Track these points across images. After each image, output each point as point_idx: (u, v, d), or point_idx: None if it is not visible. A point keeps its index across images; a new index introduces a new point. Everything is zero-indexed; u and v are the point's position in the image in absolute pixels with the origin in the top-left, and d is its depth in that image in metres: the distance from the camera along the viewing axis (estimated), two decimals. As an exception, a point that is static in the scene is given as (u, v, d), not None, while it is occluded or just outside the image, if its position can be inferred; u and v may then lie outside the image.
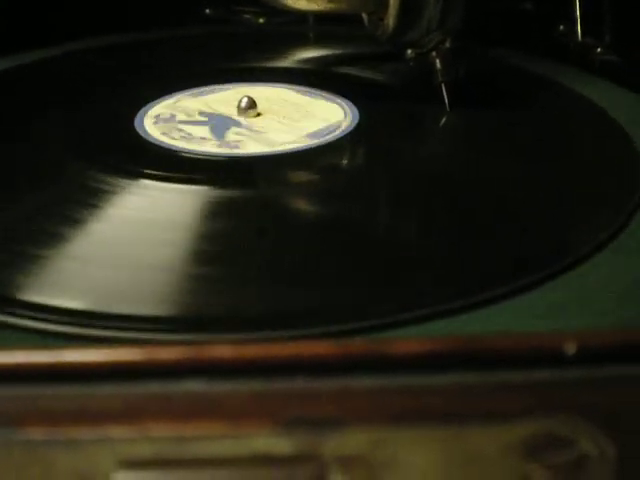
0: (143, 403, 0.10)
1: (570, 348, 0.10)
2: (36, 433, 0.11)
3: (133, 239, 0.25)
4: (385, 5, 0.32)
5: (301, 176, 0.29)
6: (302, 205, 0.28)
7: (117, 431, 0.10)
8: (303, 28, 0.44)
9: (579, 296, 0.21)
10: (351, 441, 0.09)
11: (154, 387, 0.10)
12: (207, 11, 0.57)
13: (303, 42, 0.42)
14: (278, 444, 0.09)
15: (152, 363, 0.10)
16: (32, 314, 0.21)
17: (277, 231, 0.25)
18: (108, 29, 0.46)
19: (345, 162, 0.30)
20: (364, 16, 0.34)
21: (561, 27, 0.53)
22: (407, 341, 0.11)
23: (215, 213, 0.26)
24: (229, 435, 0.09)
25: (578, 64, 0.46)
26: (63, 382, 0.10)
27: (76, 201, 0.27)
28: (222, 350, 0.11)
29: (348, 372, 0.10)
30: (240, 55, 0.40)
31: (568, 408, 0.09)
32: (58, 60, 0.39)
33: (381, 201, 0.28)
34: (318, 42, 0.42)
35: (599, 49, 0.57)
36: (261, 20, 0.50)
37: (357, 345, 0.12)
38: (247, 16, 0.55)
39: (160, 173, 0.27)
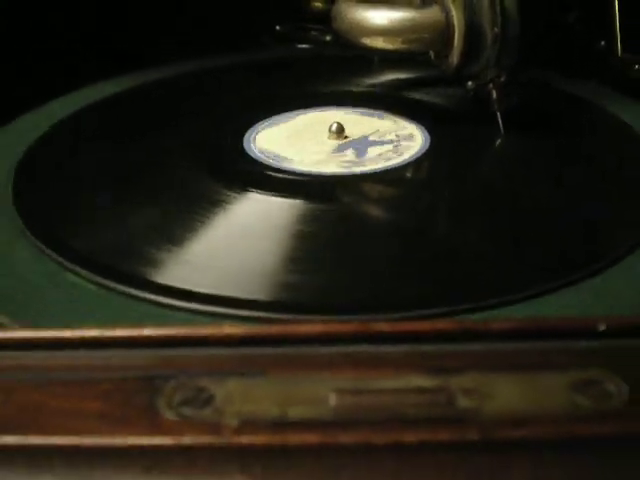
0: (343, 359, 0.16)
1: (601, 326, 0.16)
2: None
3: (247, 238, 0.32)
4: (450, 45, 0.38)
5: (391, 190, 0.35)
6: (386, 214, 0.34)
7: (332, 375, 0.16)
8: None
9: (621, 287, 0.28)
10: (469, 380, 0.16)
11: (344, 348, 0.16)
12: (277, 27, 0.63)
13: (370, 67, 0.48)
14: (424, 382, 0.15)
15: (335, 332, 0.17)
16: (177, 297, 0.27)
17: (374, 234, 0.31)
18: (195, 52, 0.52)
19: (421, 178, 0.37)
20: (431, 53, 0.40)
21: (602, 43, 0.57)
22: (499, 321, 0.17)
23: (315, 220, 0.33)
24: (394, 378, 0.15)
25: (617, 81, 0.51)
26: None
27: (197, 208, 0.33)
28: (382, 326, 0.17)
29: (459, 340, 0.17)
30: (318, 79, 0.46)
31: (600, 364, 0.16)
32: (173, 80, 0.45)
33: (452, 211, 0.34)
34: (383, 66, 0.48)
35: (637, 66, 0.60)
36: (328, 38, 0.56)
37: (468, 322, 0.18)
38: (314, 33, 0.61)
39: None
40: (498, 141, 0.38)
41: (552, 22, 0.53)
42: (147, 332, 0.18)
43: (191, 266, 0.30)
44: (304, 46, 0.59)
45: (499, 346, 0.16)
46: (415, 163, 0.36)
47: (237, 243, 0.31)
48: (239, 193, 0.33)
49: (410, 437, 0.15)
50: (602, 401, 0.16)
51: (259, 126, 0.39)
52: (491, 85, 0.38)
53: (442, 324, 0.18)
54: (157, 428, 0.15)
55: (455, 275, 0.28)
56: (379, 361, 0.16)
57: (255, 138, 0.38)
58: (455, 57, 0.38)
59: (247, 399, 0.16)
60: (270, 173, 0.35)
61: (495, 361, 0.16)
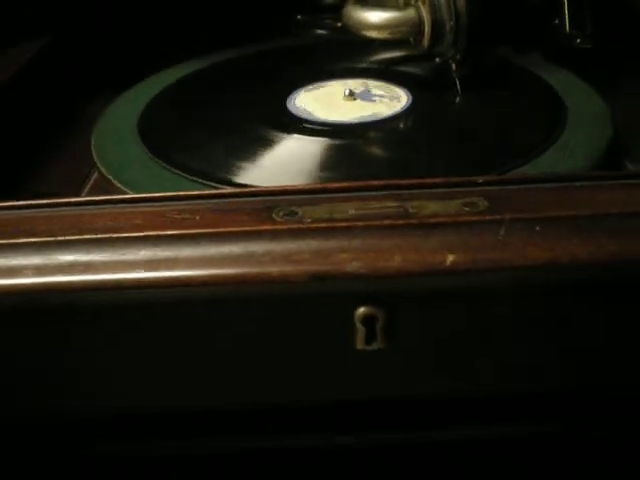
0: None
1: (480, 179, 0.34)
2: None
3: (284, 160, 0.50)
4: (423, 34, 0.56)
5: (387, 129, 0.53)
6: (386, 146, 0.53)
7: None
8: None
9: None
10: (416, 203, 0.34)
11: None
12: (298, 17, 0.81)
13: (370, 49, 0.65)
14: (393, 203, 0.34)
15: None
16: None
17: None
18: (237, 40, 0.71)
19: (407, 122, 0.54)
20: (411, 39, 0.59)
21: (556, 21, 0.73)
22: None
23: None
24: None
25: (562, 53, 0.68)
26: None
27: (249, 145, 0.51)
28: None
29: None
30: (333, 58, 0.65)
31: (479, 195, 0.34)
32: (234, 61, 0.65)
33: (434, 137, 0.52)
34: (379, 49, 0.65)
35: (579, 40, 0.76)
36: (339, 24, 0.73)
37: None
38: (328, 21, 0.79)
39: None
40: (457, 97, 0.57)
41: (517, 6, 0.67)
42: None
43: (254, 175, 0.48)
44: (321, 32, 0.78)
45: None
46: (403, 113, 0.55)
47: (284, 164, 0.50)
48: (284, 134, 0.52)
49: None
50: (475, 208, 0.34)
51: (294, 94, 0.58)
52: (451, 60, 0.57)
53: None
54: (271, 222, 0.34)
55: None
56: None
57: (293, 101, 0.57)
58: (426, 42, 0.56)
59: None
60: (305, 124, 0.54)
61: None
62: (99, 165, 0.50)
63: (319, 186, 0.38)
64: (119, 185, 0.47)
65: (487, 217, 0.34)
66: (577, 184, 0.37)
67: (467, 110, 0.56)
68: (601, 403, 0.44)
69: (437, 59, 0.58)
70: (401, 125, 0.54)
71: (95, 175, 0.52)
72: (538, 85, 0.59)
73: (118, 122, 0.55)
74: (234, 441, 0.44)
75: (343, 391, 0.39)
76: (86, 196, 0.49)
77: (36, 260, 0.34)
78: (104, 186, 0.48)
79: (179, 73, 0.63)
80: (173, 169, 0.48)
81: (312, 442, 0.44)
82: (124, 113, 0.56)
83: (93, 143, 0.52)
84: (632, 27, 0.69)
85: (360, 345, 0.36)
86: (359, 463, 0.46)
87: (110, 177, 0.48)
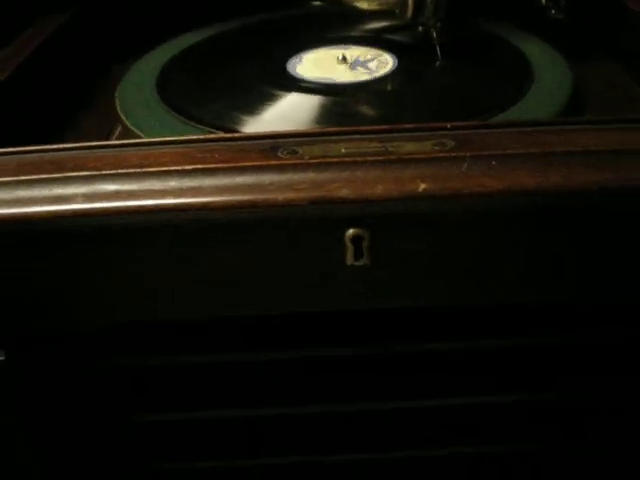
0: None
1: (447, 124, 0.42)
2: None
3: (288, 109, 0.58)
4: (407, 5, 0.64)
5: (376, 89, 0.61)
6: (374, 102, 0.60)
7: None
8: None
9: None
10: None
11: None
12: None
13: (362, 19, 0.74)
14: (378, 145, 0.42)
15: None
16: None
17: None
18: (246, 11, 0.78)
19: (394, 81, 0.62)
20: (396, 10, 0.66)
21: None
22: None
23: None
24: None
25: (536, 23, 0.75)
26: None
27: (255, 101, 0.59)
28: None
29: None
30: (329, 27, 0.73)
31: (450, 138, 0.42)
32: (239, 29, 0.73)
33: (418, 92, 0.60)
34: (369, 18, 0.74)
35: (553, 11, 0.83)
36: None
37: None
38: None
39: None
40: (437, 62, 0.65)
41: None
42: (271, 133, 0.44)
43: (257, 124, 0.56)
44: (317, 3, 0.85)
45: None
46: (390, 75, 0.62)
47: (285, 117, 0.58)
48: (282, 91, 0.60)
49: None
50: (443, 147, 0.42)
51: (294, 58, 0.65)
52: (432, 29, 0.65)
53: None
54: (277, 159, 0.42)
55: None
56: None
57: (293, 64, 0.64)
58: (410, 13, 0.64)
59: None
60: (302, 83, 0.61)
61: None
62: (122, 117, 0.57)
63: (316, 130, 0.46)
64: (139, 133, 0.55)
65: (453, 154, 0.42)
66: (529, 129, 0.45)
67: (446, 72, 0.64)
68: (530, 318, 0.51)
69: (420, 28, 0.65)
70: (388, 85, 0.62)
71: (119, 128, 0.59)
72: (510, 51, 0.66)
73: (139, 80, 0.62)
74: (242, 352, 0.52)
75: (338, 303, 0.47)
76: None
77: (84, 190, 0.42)
78: (127, 135, 0.56)
79: (192, 40, 0.70)
80: (189, 121, 0.56)
81: (310, 353, 0.52)
82: (144, 72, 0.64)
83: (117, 96, 0.60)
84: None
85: (350, 261, 0.44)
86: (355, 372, 0.54)
87: (132, 127, 0.56)
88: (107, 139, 0.58)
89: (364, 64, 0.64)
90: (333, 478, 0.57)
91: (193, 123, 0.55)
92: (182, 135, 0.48)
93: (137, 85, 0.62)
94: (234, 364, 0.53)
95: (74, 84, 0.67)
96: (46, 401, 0.51)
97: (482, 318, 0.52)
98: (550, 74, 0.61)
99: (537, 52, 0.66)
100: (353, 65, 0.64)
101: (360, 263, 0.44)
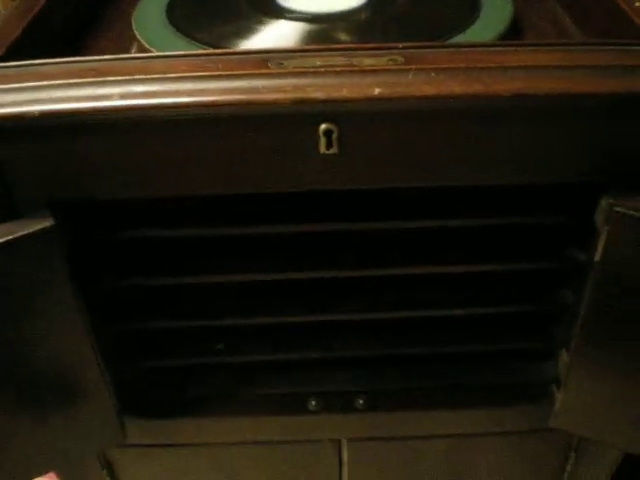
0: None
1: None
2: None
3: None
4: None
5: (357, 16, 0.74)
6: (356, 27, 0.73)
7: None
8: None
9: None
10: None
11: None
12: None
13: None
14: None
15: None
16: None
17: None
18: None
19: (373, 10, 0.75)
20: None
21: None
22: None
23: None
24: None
25: None
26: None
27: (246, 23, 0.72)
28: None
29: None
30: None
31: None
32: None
33: (391, 20, 0.73)
34: None
35: None
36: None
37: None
38: None
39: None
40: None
41: None
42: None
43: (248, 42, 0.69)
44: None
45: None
46: (362, 7, 0.75)
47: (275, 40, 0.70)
48: (272, 19, 0.73)
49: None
50: (395, 62, 0.55)
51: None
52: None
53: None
54: (267, 68, 0.55)
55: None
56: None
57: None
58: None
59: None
60: (290, 13, 0.74)
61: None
62: (138, 37, 0.70)
63: (297, 48, 0.59)
64: (153, 50, 0.68)
65: (402, 67, 0.55)
66: (465, 49, 0.58)
67: (410, 4, 0.76)
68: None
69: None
70: (362, 15, 0.75)
71: (135, 47, 0.72)
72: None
73: (153, 7, 0.75)
74: (246, 226, 0.66)
75: (314, 183, 0.60)
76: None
77: (119, 90, 0.55)
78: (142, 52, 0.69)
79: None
80: (196, 43, 0.69)
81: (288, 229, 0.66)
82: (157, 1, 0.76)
83: (134, 18, 0.73)
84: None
85: (322, 150, 0.57)
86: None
87: (147, 46, 0.69)
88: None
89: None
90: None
91: (200, 44, 0.68)
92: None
93: (151, 11, 0.74)
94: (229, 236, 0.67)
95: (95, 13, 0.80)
96: (81, 259, 0.64)
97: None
98: (496, 8, 0.74)
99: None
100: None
101: (331, 152, 0.57)
